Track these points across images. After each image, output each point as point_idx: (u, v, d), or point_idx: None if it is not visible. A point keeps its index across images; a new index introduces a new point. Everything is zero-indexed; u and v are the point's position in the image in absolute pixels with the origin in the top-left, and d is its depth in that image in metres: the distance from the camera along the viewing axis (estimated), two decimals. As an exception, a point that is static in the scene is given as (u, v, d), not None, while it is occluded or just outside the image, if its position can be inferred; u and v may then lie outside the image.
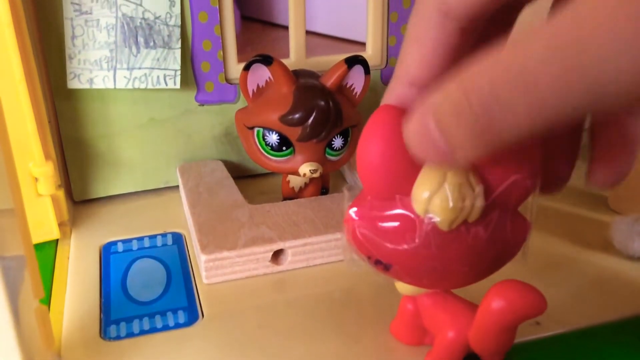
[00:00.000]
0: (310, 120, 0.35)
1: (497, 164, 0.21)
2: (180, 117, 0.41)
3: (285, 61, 0.37)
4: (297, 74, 0.37)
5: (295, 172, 0.37)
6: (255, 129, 0.36)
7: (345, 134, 0.37)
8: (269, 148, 0.36)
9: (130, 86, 0.38)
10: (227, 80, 0.41)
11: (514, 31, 0.21)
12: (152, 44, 0.37)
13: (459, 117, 0.16)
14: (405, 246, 0.22)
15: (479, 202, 0.21)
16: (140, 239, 0.37)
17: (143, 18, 0.37)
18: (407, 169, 0.21)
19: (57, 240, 0.36)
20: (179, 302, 0.32)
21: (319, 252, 0.34)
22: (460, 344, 0.25)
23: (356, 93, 0.38)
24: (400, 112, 0.21)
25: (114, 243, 0.37)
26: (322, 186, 0.40)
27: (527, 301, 0.23)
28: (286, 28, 0.43)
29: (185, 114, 0.41)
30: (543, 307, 0.23)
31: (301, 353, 0.28)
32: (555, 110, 0.14)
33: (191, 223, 0.36)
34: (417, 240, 0.21)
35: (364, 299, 0.32)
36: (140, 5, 0.37)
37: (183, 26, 0.38)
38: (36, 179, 0.34)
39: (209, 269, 0.32)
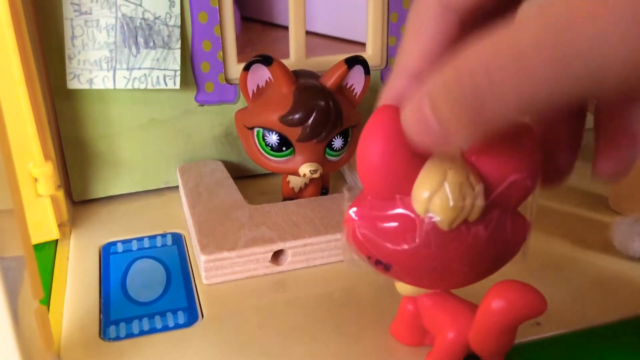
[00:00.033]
0: (310, 121, 0.35)
1: (497, 163, 0.21)
2: (180, 118, 0.41)
3: (285, 61, 0.37)
4: (297, 74, 0.36)
5: (295, 173, 0.37)
6: (255, 129, 0.36)
7: (345, 134, 0.37)
8: (269, 148, 0.36)
9: (130, 86, 0.38)
10: (227, 81, 0.41)
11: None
12: (151, 44, 0.37)
13: (451, 99, 0.16)
14: (405, 246, 0.21)
15: (479, 202, 0.21)
16: (140, 239, 0.37)
17: (143, 18, 0.37)
18: (407, 168, 0.21)
19: (57, 240, 0.36)
20: (178, 303, 0.32)
21: (319, 252, 0.34)
22: (461, 344, 0.25)
23: (356, 93, 0.38)
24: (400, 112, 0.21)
25: (114, 243, 0.37)
26: (322, 186, 0.40)
27: (527, 301, 0.23)
28: (286, 28, 0.43)
29: (185, 114, 0.41)
30: (543, 308, 0.23)
31: (301, 353, 0.28)
32: (546, 92, 0.14)
33: (191, 223, 0.36)
34: (417, 240, 0.21)
35: (364, 299, 0.32)
36: (140, 5, 0.37)
37: (183, 26, 0.38)
38: (36, 180, 0.34)
39: (209, 270, 0.32)
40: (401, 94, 0.20)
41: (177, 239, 0.37)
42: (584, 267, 0.34)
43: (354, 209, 0.22)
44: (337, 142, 0.37)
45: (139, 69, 0.38)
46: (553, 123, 0.21)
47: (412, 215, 0.21)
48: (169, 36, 0.38)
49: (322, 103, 0.35)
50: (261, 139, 0.36)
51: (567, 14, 0.14)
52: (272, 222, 0.35)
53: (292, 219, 0.35)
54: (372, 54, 0.44)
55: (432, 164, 0.21)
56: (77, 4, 0.36)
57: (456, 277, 0.23)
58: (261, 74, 0.36)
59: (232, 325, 0.30)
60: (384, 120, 0.21)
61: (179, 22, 0.38)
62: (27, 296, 0.23)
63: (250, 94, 0.36)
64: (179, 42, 0.38)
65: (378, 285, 0.32)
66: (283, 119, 0.35)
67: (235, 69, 0.41)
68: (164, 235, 0.37)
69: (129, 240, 0.37)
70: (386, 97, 0.21)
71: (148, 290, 0.33)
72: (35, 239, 0.35)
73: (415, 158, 0.21)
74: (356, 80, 0.37)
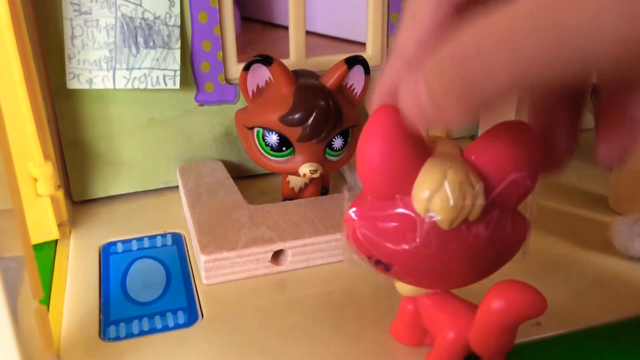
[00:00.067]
0: (310, 121, 0.35)
1: (497, 162, 0.21)
2: (180, 118, 0.41)
3: (285, 61, 0.37)
4: (297, 74, 0.36)
5: (295, 173, 0.37)
6: (255, 129, 0.36)
7: (345, 134, 0.37)
8: (269, 148, 0.36)
9: (129, 86, 0.38)
10: (227, 81, 0.41)
11: None
12: (151, 44, 0.37)
13: (445, 78, 0.16)
14: (405, 246, 0.21)
15: (480, 201, 0.21)
16: (139, 239, 0.37)
17: (142, 18, 0.37)
18: (407, 168, 0.21)
19: (57, 240, 0.36)
20: (178, 303, 0.32)
21: (319, 252, 0.34)
22: (461, 344, 0.25)
23: (356, 93, 0.38)
24: (400, 112, 0.21)
25: (114, 243, 0.37)
26: (322, 186, 0.40)
27: (527, 301, 0.23)
28: (286, 28, 0.43)
29: (185, 114, 0.41)
30: (543, 308, 0.23)
31: (301, 353, 0.28)
32: (537, 72, 0.15)
33: (191, 223, 0.35)
34: (417, 240, 0.21)
35: (364, 299, 0.32)
36: (140, 5, 0.37)
37: (183, 26, 0.38)
38: (35, 180, 0.34)
39: (209, 270, 0.32)
40: (397, 80, 0.20)
41: (177, 239, 0.37)
42: (584, 267, 0.34)
43: (354, 209, 0.22)
44: (337, 142, 0.37)
45: (139, 68, 0.38)
46: (552, 108, 0.22)
47: (413, 214, 0.21)
48: (168, 36, 0.38)
49: (322, 103, 0.35)
50: (261, 139, 0.36)
51: None
52: (272, 222, 0.35)
53: (292, 219, 0.35)
54: (372, 54, 0.44)
55: (432, 163, 0.21)
56: (76, 4, 0.36)
57: (456, 277, 0.23)
58: (261, 74, 0.36)
59: (232, 325, 0.30)
60: (384, 120, 0.21)
61: (178, 22, 0.38)
62: (27, 296, 0.23)
63: (250, 93, 0.36)
64: (179, 42, 0.38)
65: (378, 285, 0.32)
66: (283, 119, 0.35)
67: (235, 68, 0.41)
68: (164, 235, 0.37)
69: (129, 240, 0.37)
70: (382, 82, 0.21)
71: (148, 290, 0.33)
72: (35, 239, 0.35)
73: (415, 158, 0.21)
74: (356, 80, 0.37)
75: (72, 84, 0.37)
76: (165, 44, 0.38)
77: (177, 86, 0.39)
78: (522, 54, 0.14)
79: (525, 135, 0.21)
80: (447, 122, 0.17)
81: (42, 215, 0.35)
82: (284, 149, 0.36)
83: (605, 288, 0.32)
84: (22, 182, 0.33)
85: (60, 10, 0.36)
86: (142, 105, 0.40)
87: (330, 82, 0.36)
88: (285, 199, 0.39)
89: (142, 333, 0.29)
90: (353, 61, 0.36)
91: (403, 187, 0.21)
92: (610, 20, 0.13)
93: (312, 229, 0.34)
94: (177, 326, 0.30)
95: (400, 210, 0.21)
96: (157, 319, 0.30)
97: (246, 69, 0.35)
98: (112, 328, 0.30)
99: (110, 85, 0.38)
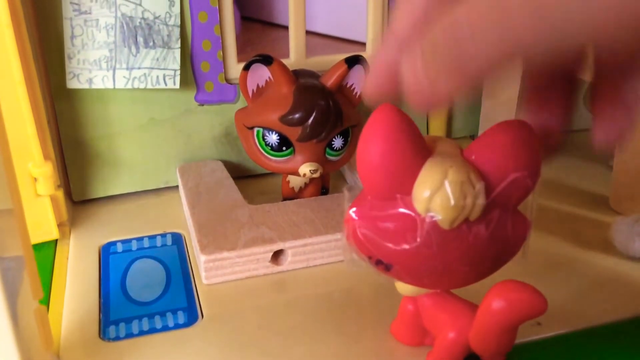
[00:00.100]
0: (310, 120, 0.35)
1: (497, 161, 0.21)
2: (180, 117, 0.41)
3: (285, 61, 0.37)
4: (297, 74, 0.36)
5: (295, 172, 0.37)
6: (255, 129, 0.36)
7: (345, 134, 0.37)
8: (269, 148, 0.36)
9: (129, 86, 0.38)
10: (227, 80, 0.41)
11: None
12: (151, 43, 0.37)
13: (438, 52, 0.16)
14: (406, 246, 0.21)
15: (480, 200, 0.21)
16: (139, 239, 0.37)
17: (142, 18, 0.37)
18: (407, 168, 0.21)
19: (56, 240, 0.36)
20: (178, 303, 0.32)
21: (319, 252, 0.34)
22: (461, 344, 0.25)
23: (356, 93, 0.38)
24: (400, 112, 0.21)
25: (114, 243, 0.37)
26: (322, 186, 0.40)
27: (528, 301, 0.23)
28: (286, 28, 0.43)
29: (185, 114, 0.41)
30: (543, 308, 0.23)
31: (301, 353, 0.28)
32: (527, 45, 0.15)
33: (191, 223, 0.35)
34: (418, 240, 0.21)
35: (364, 299, 0.32)
36: (140, 5, 0.37)
37: (183, 26, 0.38)
38: (35, 179, 0.34)
39: (209, 270, 0.32)
40: (392, 61, 0.20)
41: (177, 239, 0.37)
42: (584, 267, 0.34)
43: (354, 208, 0.22)
44: (337, 142, 0.36)
45: (139, 68, 0.38)
46: (545, 88, 0.22)
47: (413, 214, 0.21)
48: (168, 36, 0.38)
49: (322, 103, 0.35)
50: (261, 139, 0.36)
51: None
52: (272, 222, 0.35)
53: (292, 219, 0.35)
54: (372, 53, 0.44)
55: (433, 163, 0.21)
56: (76, 4, 0.36)
57: (457, 277, 0.23)
58: (261, 74, 0.36)
59: (232, 325, 0.30)
60: (384, 120, 0.21)
61: (178, 22, 0.38)
62: (27, 296, 0.23)
63: (250, 93, 0.36)
64: (179, 41, 0.38)
65: (378, 285, 0.32)
66: (283, 119, 0.35)
67: (235, 68, 0.41)
68: (163, 235, 0.37)
69: (129, 240, 0.37)
70: (377, 64, 0.21)
71: (148, 290, 0.32)
72: (35, 239, 0.35)
73: (416, 157, 0.21)
74: (356, 79, 0.37)
75: (72, 84, 0.37)
76: (165, 43, 0.38)
77: (177, 86, 0.39)
78: (511, 25, 0.14)
79: (525, 134, 0.21)
80: (442, 97, 0.17)
81: (42, 215, 0.35)
82: (284, 148, 0.36)
83: (605, 288, 0.32)
84: (22, 182, 0.33)
85: (60, 10, 0.36)
86: (142, 105, 0.40)
87: (330, 81, 0.36)
88: (285, 199, 0.39)
89: (142, 333, 0.29)
90: (353, 61, 0.36)
91: (403, 186, 0.21)
92: None
93: (312, 229, 0.34)
94: (177, 326, 0.30)
95: (401, 210, 0.21)
96: (157, 319, 0.30)
97: (246, 68, 0.35)
98: (112, 328, 0.30)
99: (110, 85, 0.38)
